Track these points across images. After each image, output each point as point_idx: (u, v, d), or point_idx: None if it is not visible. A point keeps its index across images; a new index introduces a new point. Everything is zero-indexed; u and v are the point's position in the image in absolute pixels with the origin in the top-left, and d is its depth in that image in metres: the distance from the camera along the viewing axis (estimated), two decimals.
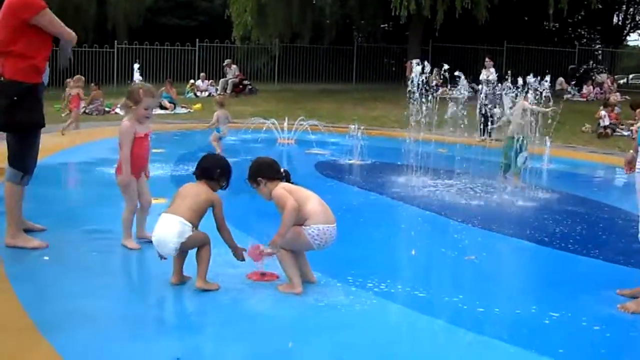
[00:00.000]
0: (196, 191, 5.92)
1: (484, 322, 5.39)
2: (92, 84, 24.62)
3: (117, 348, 4.66)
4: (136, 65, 12.84)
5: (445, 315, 5.58)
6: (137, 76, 12.93)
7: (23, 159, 6.89)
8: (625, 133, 20.48)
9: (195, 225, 5.79)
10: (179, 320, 5.43)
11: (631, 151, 6.34)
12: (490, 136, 18.04)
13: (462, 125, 13.25)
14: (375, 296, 5.91)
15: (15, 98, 6.51)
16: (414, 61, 13.39)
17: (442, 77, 14.03)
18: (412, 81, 13.07)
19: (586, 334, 5.29)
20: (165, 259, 5.88)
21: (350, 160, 14.46)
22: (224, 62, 32.48)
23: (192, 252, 5.88)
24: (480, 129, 18.26)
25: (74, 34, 6.86)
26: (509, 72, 13.91)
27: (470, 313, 5.61)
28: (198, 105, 26.36)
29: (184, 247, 5.76)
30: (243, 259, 5.98)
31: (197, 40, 34.82)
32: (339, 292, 5.96)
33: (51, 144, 15.25)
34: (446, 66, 13.23)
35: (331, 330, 5.16)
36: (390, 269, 7.00)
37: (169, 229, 5.69)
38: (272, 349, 4.81)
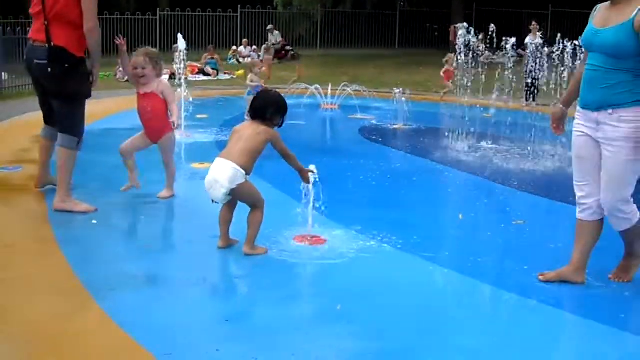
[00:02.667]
0: (250, 133, 5.78)
1: (531, 287, 5.33)
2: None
3: (165, 311, 4.70)
4: (180, 35, 12.82)
5: (491, 279, 5.54)
6: (181, 43, 12.87)
7: (77, 125, 7.07)
8: None
9: (248, 170, 5.68)
10: (226, 283, 5.45)
11: (560, 105, 5.61)
12: (535, 101, 17.85)
13: (508, 91, 13.10)
14: (422, 259, 5.89)
15: (67, 66, 6.62)
16: (460, 25, 13.22)
17: (487, 41, 13.78)
18: (457, 46, 12.91)
19: (631, 301, 5.22)
20: (216, 202, 5.87)
21: (394, 125, 14.35)
22: (266, 27, 32.43)
23: (241, 214, 5.85)
24: (526, 94, 18.03)
25: (93, 24, 6.89)
26: (559, 35, 13.65)
27: (518, 277, 5.56)
28: (241, 72, 26.30)
29: (234, 195, 5.69)
30: (309, 182, 6.04)
31: (239, 6, 34.73)
32: (386, 256, 5.94)
33: (97, 110, 15.39)
34: (493, 27, 13.04)
35: (378, 294, 5.15)
36: (437, 233, 6.97)
37: (220, 173, 5.60)
38: (320, 311, 4.81)
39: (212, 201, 5.85)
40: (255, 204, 5.78)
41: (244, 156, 5.65)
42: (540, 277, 5.45)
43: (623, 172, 4.97)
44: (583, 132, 5.18)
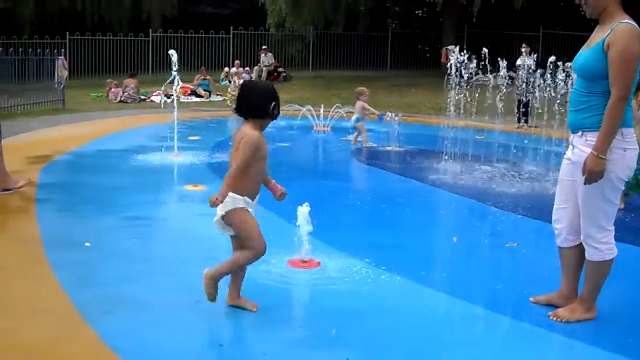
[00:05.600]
0: (237, 139, 4.88)
1: (525, 310, 5.33)
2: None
3: (158, 334, 4.67)
4: (172, 52, 12.81)
5: (485, 302, 5.53)
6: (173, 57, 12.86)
7: None
8: None
9: (238, 190, 4.80)
10: (220, 306, 5.42)
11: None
12: (527, 123, 17.90)
13: (500, 112, 13.13)
14: (416, 282, 5.88)
15: None
16: (451, 47, 13.28)
17: (479, 63, 13.84)
18: (449, 67, 12.96)
19: (632, 323, 5.21)
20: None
21: (387, 147, 14.37)
22: (259, 49, 32.53)
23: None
24: (518, 116, 18.10)
25: None
26: (551, 58, 13.72)
27: (511, 301, 5.56)
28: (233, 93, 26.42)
29: (228, 223, 4.89)
30: (212, 205, 4.72)
31: (232, 27, 34.83)
32: (379, 279, 5.92)
33: (89, 131, 15.39)
34: (485, 50, 13.11)
35: (372, 316, 5.14)
36: (431, 256, 6.97)
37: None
38: (315, 335, 4.79)
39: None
40: (247, 241, 4.92)
41: (232, 170, 4.82)
42: (531, 299, 5.45)
43: (593, 197, 4.88)
44: (567, 155, 5.18)
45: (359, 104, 14.71)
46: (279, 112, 5.05)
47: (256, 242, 4.89)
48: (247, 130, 4.87)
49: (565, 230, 5.20)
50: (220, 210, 4.82)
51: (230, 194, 4.76)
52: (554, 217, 5.32)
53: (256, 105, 4.94)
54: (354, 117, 14.68)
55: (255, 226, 4.90)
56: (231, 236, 5.04)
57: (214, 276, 4.95)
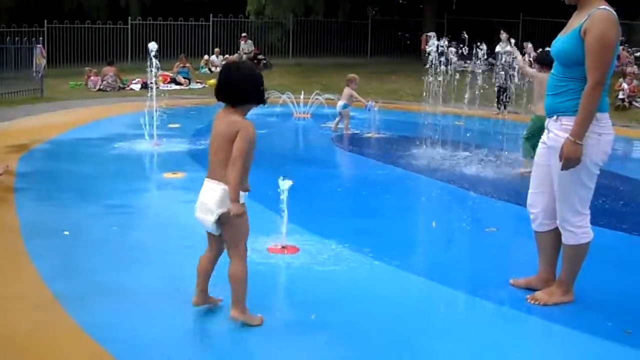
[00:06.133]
0: (223, 130, 4.49)
1: (504, 294, 5.37)
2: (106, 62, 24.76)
3: (139, 322, 4.68)
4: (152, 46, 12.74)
5: (464, 286, 5.57)
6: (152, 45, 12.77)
7: None
8: None
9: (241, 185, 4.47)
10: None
11: None
12: (506, 109, 17.94)
13: (479, 99, 13.15)
14: (395, 267, 5.91)
15: None
16: (431, 34, 13.28)
17: (458, 49, 13.83)
18: (429, 54, 12.96)
19: (610, 305, 5.26)
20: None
21: (367, 133, 14.37)
22: (239, 36, 32.39)
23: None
24: (497, 102, 18.14)
25: None
26: (529, 44, 13.75)
27: (491, 284, 5.59)
28: (212, 81, 26.25)
29: (223, 224, 4.54)
30: (235, 213, 4.42)
31: (211, 15, 34.66)
32: (359, 264, 5.94)
33: (68, 120, 15.31)
34: (465, 35, 13.11)
35: (351, 301, 5.17)
36: (410, 241, 7.01)
37: (208, 197, 4.52)
38: (295, 321, 4.81)
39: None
40: (237, 246, 4.63)
41: (226, 165, 4.47)
42: (511, 281, 5.52)
43: (568, 182, 4.92)
44: (543, 140, 5.20)
45: (347, 90, 14.65)
46: (264, 95, 4.70)
47: (244, 246, 4.67)
48: (240, 121, 4.49)
49: (541, 214, 5.24)
50: (218, 207, 4.46)
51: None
52: (529, 201, 5.36)
53: (247, 89, 4.55)
54: (340, 103, 14.61)
55: (248, 230, 4.66)
56: (209, 233, 4.70)
57: (240, 310, 4.64)
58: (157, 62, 13.07)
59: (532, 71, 10.20)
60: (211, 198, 4.47)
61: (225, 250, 4.73)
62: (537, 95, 9.77)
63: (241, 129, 4.43)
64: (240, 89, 4.54)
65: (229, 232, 4.58)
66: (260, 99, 4.63)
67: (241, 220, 4.53)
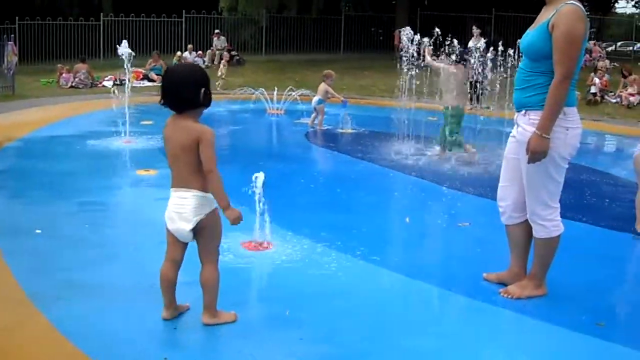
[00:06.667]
0: (182, 140, 4.36)
1: (477, 288, 5.41)
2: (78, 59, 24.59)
3: (112, 320, 4.66)
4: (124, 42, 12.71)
5: (438, 281, 5.60)
6: (123, 49, 12.72)
7: None
8: (613, 100, 20.43)
9: (206, 187, 4.38)
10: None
11: None
12: (479, 103, 18.03)
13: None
14: (369, 263, 5.94)
15: None
16: (404, 29, 13.29)
17: (431, 45, 13.84)
18: (402, 50, 12.98)
19: (582, 298, 5.31)
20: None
21: (341, 129, 14.38)
22: (212, 33, 32.29)
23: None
24: (470, 97, 18.22)
25: None
26: (499, 40, 13.85)
27: (464, 279, 5.64)
28: None
29: (198, 231, 4.46)
30: (235, 222, 4.44)
31: (184, 11, 34.51)
32: (333, 260, 5.95)
33: (40, 117, 15.20)
34: (437, 30, 13.14)
35: (326, 297, 5.19)
36: (384, 236, 7.03)
37: (181, 206, 4.41)
38: (269, 317, 4.81)
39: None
40: (211, 251, 4.59)
41: (196, 174, 4.39)
42: (484, 275, 5.56)
43: (537, 176, 4.96)
44: (512, 134, 5.24)
45: (323, 86, 14.63)
46: (211, 97, 4.47)
47: (217, 251, 4.65)
48: (197, 128, 4.34)
49: (510, 207, 5.28)
50: (195, 215, 4.39)
51: (205, 194, 4.39)
52: (498, 195, 5.40)
53: (188, 95, 4.36)
54: (315, 99, 14.58)
55: (222, 234, 4.62)
56: (174, 241, 4.58)
57: (212, 314, 4.63)
58: (129, 65, 13.03)
59: (437, 65, 11.15)
60: (186, 207, 4.38)
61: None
62: (443, 90, 10.98)
63: (201, 137, 4.30)
64: (182, 96, 4.38)
65: (204, 238, 4.51)
66: (204, 102, 4.40)
67: (217, 225, 4.49)
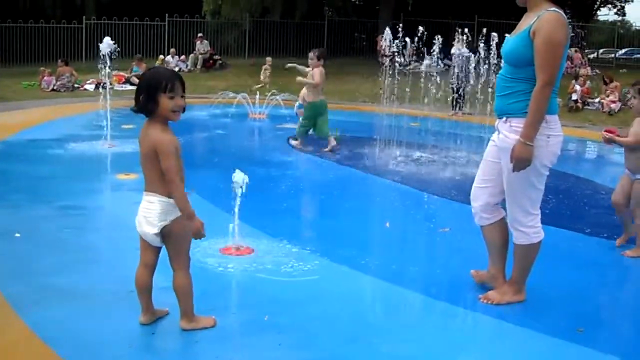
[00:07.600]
0: (144, 148, 4.35)
1: (457, 294, 5.42)
2: (59, 61, 24.46)
3: (91, 324, 4.63)
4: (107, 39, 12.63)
5: (418, 286, 5.60)
6: (105, 46, 12.64)
7: None
8: (594, 107, 20.55)
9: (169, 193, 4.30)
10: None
11: None
12: (461, 110, 18.12)
13: (435, 100, 13.26)
14: (349, 268, 5.93)
15: None
16: (386, 34, 13.33)
17: (413, 50, 13.91)
18: (385, 55, 13.02)
19: (562, 304, 5.33)
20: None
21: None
22: (195, 37, 32.24)
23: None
24: (452, 103, 18.31)
25: None
26: (480, 45, 13.91)
27: (444, 284, 5.65)
28: None
29: (165, 237, 4.43)
30: (197, 237, 4.39)
31: (167, 15, 34.45)
32: (313, 265, 5.94)
33: (21, 120, 15.13)
34: (421, 28, 13.19)
35: (305, 302, 5.18)
36: (365, 242, 7.02)
37: (146, 210, 4.40)
38: (247, 322, 4.80)
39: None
40: (181, 257, 4.50)
41: (162, 180, 4.32)
42: (472, 272, 5.60)
43: (518, 183, 4.95)
44: (493, 138, 5.25)
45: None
46: (154, 104, 4.29)
47: (187, 257, 4.55)
48: (155, 137, 4.27)
49: (480, 208, 5.29)
50: (160, 220, 4.35)
51: (170, 200, 4.31)
52: (472, 195, 5.40)
53: (140, 103, 4.35)
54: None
55: (191, 240, 4.49)
56: (146, 245, 4.55)
57: (189, 319, 4.60)
58: (109, 61, 12.95)
59: (301, 67, 13.26)
60: (151, 211, 4.35)
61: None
62: (307, 87, 12.70)
63: (157, 147, 4.23)
64: (137, 102, 4.37)
65: (172, 244, 4.46)
66: (146, 109, 4.32)
67: (184, 231, 4.39)
